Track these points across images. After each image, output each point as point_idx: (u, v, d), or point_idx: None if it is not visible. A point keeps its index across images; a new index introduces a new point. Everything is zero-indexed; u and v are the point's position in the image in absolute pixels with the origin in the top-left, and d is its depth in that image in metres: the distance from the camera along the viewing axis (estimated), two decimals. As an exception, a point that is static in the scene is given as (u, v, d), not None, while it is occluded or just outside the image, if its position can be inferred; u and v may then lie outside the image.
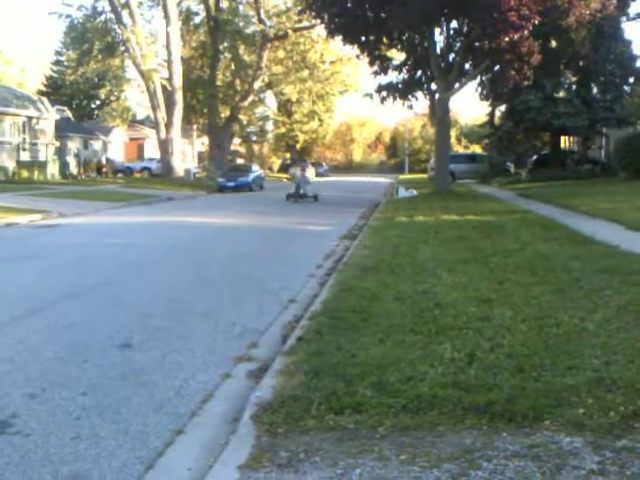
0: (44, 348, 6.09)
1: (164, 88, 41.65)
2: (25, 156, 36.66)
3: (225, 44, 46.90)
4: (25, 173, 35.60)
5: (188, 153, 57.46)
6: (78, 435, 4.18)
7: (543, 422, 4.03)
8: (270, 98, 62.87)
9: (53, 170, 38.77)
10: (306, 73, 50.60)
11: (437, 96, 28.33)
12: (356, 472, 3.51)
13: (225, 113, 48.54)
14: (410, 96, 29.48)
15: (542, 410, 4.15)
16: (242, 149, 68.03)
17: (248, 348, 6.14)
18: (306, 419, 4.14)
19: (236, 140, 60.93)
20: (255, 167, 41.64)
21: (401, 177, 59.35)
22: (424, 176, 50.72)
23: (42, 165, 37.70)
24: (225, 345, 6.26)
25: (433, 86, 28.91)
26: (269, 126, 69.23)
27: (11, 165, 35.07)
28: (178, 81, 41.04)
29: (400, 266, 9.37)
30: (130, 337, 6.44)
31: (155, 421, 4.42)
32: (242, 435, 4.04)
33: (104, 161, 48.97)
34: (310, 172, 58.09)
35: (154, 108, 42.03)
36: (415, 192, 28.66)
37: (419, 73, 29.12)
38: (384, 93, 29.03)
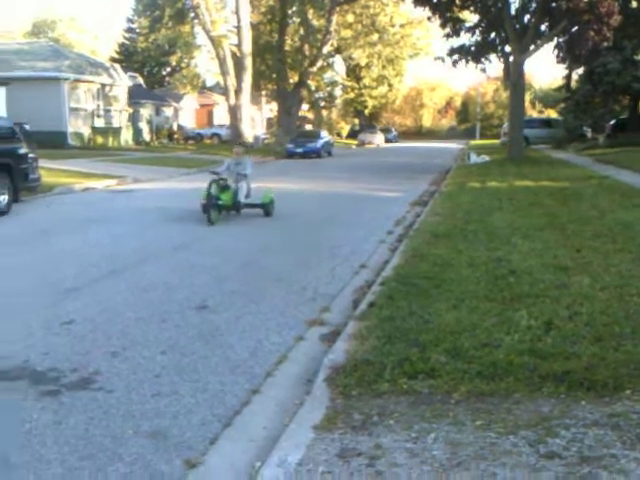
0: (124, 308, 6.28)
1: (233, 54, 41.81)
2: (99, 122, 37.52)
3: (294, 8, 46.57)
4: (100, 139, 36.48)
5: (257, 119, 57.76)
6: (158, 392, 4.31)
7: (623, 392, 3.93)
8: (339, 63, 62.33)
9: (127, 136, 39.63)
10: (375, 37, 49.89)
11: (511, 59, 27.51)
12: (431, 436, 3.51)
13: (294, 79, 48.42)
14: (483, 59, 28.75)
15: (622, 380, 4.05)
16: (310, 115, 67.83)
17: (320, 312, 6.19)
18: (379, 383, 4.16)
19: (304, 106, 60.73)
20: (324, 133, 41.46)
21: (472, 143, 58.23)
22: (496, 142, 49.62)
23: (116, 131, 38.56)
24: (297, 309, 6.32)
25: (507, 48, 28.08)
26: (337, 91, 68.67)
27: (86, 131, 35.96)
28: (247, 47, 41.10)
29: (473, 233, 9.22)
30: (205, 299, 6.57)
31: (231, 380, 4.52)
32: (316, 397, 4.09)
33: (175, 128, 49.74)
34: (379, 138, 57.62)
35: (224, 74, 42.31)
36: (487, 158, 28.08)
37: (493, 35, 28.33)
38: (456, 56, 28.38)
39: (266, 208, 12.31)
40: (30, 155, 13.94)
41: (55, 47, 39.86)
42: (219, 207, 11.50)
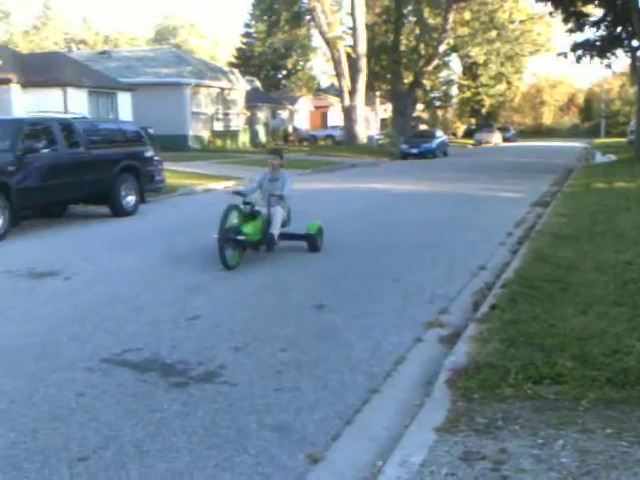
0: (244, 306, 6.47)
1: (348, 56, 42.07)
2: (218, 126, 38.76)
3: (409, 8, 46.34)
4: (218, 142, 37.69)
5: (371, 120, 57.80)
6: (280, 388, 4.40)
7: None
8: (455, 61, 61.43)
9: (244, 139, 40.74)
10: (494, 34, 48.83)
11: (639, 54, 26.15)
12: (558, 443, 3.39)
13: (408, 79, 48.15)
14: (609, 54, 27.48)
15: None
16: (425, 115, 67.23)
17: (438, 313, 6.12)
18: (503, 387, 4.06)
19: (419, 106, 60.28)
20: (439, 133, 40.91)
21: (596, 141, 55.75)
22: (623, 140, 47.28)
23: (234, 134, 39.72)
24: (415, 309, 6.28)
25: (634, 43, 26.71)
26: (453, 91, 67.70)
27: (206, 135, 37.24)
28: (362, 48, 41.25)
29: (600, 234, 8.84)
30: (322, 299, 6.64)
31: (351, 379, 4.54)
32: (437, 398, 4.04)
33: (290, 129, 50.61)
34: (496, 137, 56.23)
35: (339, 76, 42.67)
36: (613, 157, 26.84)
37: (619, 29, 27.02)
38: (580, 52, 27.32)
39: (312, 240, 9.10)
40: (155, 158, 14.59)
41: (177, 53, 41.55)
42: (240, 243, 8.23)
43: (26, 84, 26.15)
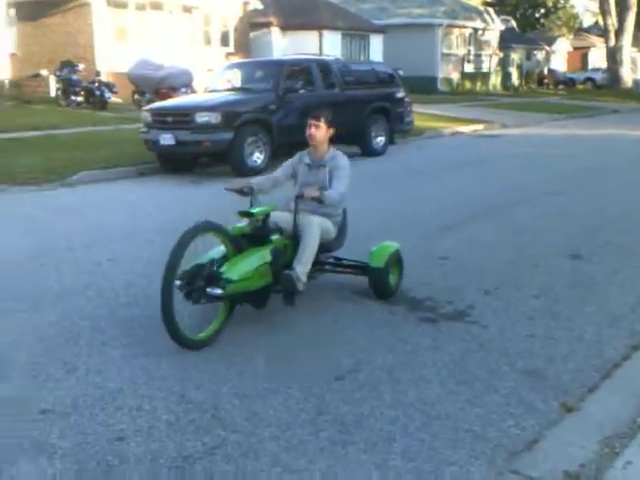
0: (495, 249, 6.40)
1: (617, -8, 38.53)
2: (469, 68, 37.83)
3: None
4: (468, 84, 36.85)
5: (638, 62, 52.74)
6: (532, 334, 4.29)
7: None
8: None
9: (495, 81, 39.39)
10: None
11: None
12: None
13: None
14: None
15: None
16: None
17: None
18: None
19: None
20: None
21: None
22: None
23: (485, 76, 38.56)
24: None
25: None
26: None
27: (455, 77, 36.57)
28: (634, -18, 37.49)
29: None
30: (577, 248, 6.32)
31: (609, 333, 4.30)
32: None
33: (546, 72, 47.90)
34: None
35: (604, 14, 39.35)
36: None
37: None
38: None
39: (375, 276, 4.94)
40: (405, 99, 14.66)
41: (431, -7, 40.94)
42: (216, 298, 4.17)
43: (285, 27, 27.56)
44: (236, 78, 12.59)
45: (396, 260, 5.09)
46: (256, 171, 10.03)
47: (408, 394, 3.51)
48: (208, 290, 4.06)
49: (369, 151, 13.29)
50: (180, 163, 11.40)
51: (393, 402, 3.42)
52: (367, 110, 13.22)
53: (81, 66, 19.21)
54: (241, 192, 4.84)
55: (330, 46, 26.82)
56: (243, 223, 4.55)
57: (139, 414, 3.29)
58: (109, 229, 7.12)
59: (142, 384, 3.60)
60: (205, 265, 4.15)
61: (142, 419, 3.24)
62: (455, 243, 6.57)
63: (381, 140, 13.58)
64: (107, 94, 18.61)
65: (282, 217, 4.73)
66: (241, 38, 26.26)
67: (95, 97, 18.60)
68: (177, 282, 3.96)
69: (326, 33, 27.94)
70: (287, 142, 12.22)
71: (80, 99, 18.77)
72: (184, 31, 23.82)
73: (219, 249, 4.36)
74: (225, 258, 4.29)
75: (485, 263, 5.90)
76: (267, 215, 4.55)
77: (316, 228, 4.61)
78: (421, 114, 19.61)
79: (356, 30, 29.78)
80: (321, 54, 22.54)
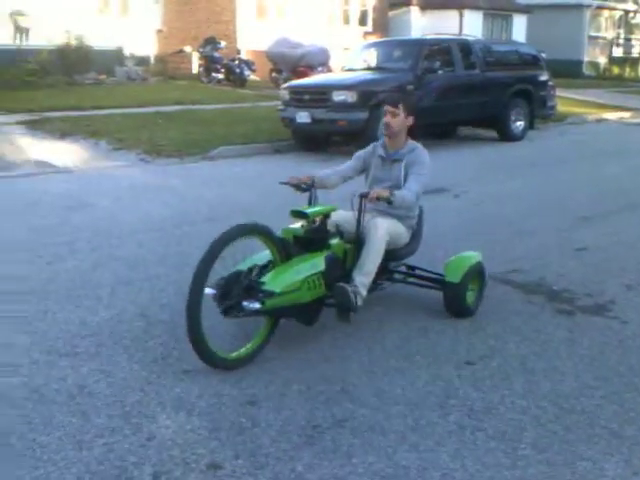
0: (638, 243, 6.05)
1: None
2: (617, 52, 35.80)
3: None
4: (615, 69, 34.91)
5: None
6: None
7: None
8: None
9: (646, 67, 37.13)
10: None
11: None
12: None
13: None
14: None
15: None
16: None
17: None
18: None
19: None
20: None
21: None
22: None
23: (634, 62, 36.36)
24: None
25: None
26: None
27: (602, 61, 34.73)
28: None
29: None
30: None
31: None
32: None
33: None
34: None
35: None
36: None
37: None
38: None
39: (451, 291, 4.25)
40: (549, 83, 14.08)
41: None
42: (253, 313, 3.52)
43: (424, 6, 27.13)
44: (373, 57, 12.55)
45: (476, 274, 4.33)
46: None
47: (541, 385, 3.42)
48: (244, 304, 3.44)
49: (507, 136, 12.92)
50: (315, 141, 11.56)
51: (524, 392, 3.34)
52: (508, 92, 12.83)
53: (223, 43, 19.78)
54: (298, 187, 4.19)
55: (471, 26, 26.13)
56: (296, 225, 3.96)
57: (271, 379, 3.41)
58: (247, 203, 7.36)
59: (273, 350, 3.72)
60: (244, 273, 3.59)
61: (273, 386, 3.35)
62: (594, 235, 6.29)
63: (520, 124, 13.16)
64: (246, 72, 19.12)
65: (345, 217, 4.08)
66: (379, 18, 26.11)
67: (235, 75, 19.14)
68: (210, 291, 3.44)
69: (467, 12, 27.28)
70: (424, 124, 12.09)
71: (221, 76, 19.36)
72: (323, 9, 23.94)
73: (264, 254, 3.78)
74: (271, 265, 3.72)
75: (626, 258, 5.61)
76: (326, 216, 3.91)
77: (383, 233, 3.93)
78: (564, 98, 18.80)
79: (498, 10, 28.85)
80: (461, 34, 22.05)
